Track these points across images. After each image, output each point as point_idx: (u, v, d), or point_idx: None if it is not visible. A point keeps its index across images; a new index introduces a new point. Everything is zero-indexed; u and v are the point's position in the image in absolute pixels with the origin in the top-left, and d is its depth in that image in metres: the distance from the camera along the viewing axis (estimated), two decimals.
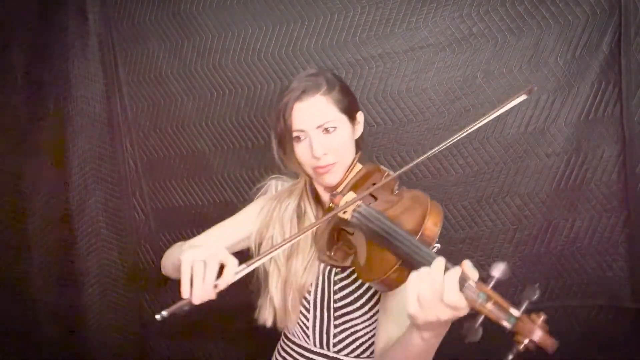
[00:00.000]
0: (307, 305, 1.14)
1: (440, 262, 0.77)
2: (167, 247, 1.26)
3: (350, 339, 1.12)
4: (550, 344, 0.68)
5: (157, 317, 0.87)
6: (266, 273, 1.18)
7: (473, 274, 0.75)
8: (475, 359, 1.30)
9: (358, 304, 1.10)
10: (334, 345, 1.13)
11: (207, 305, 1.20)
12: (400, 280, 0.85)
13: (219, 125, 1.61)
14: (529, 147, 1.37)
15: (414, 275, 0.77)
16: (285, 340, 1.23)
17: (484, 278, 0.74)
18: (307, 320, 1.14)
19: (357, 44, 1.45)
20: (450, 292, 0.72)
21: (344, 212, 0.98)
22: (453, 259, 1.57)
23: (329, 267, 1.12)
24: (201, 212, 1.68)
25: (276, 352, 1.26)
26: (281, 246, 0.96)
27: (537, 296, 0.69)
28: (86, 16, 1.66)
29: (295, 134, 1.07)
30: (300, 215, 1.17)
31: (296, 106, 1.05)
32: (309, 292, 1.14)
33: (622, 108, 1.30)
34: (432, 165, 1.44)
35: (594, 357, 1.41)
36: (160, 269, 1.24)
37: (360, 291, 1.10)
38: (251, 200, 1.27)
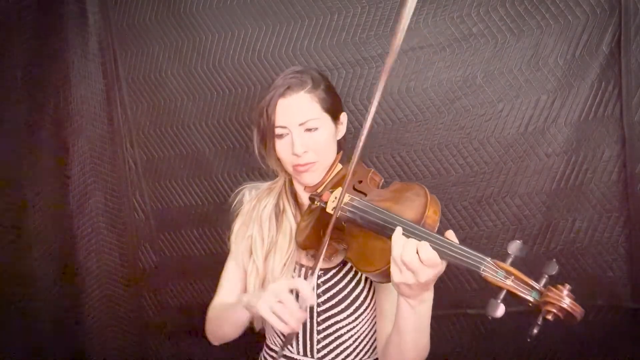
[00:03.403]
0: None
1: (398, 230, 0.84)
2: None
3: (334, 344, 1.10)
4: (579, 311, 0.70)
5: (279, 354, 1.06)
6: (245, 272, 1.16)
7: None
8: None
9: (342, 306, 1.08)
10: (318, 351, 1.11)
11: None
12: None
13: (219, 125, 1.61)
14: (529, 147, 1.37)
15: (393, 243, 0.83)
16: (268, 351, 1.21)
17: (502, 256, 0.77)
18: None
19: (357, 44, 1.44)
20: (407, 252, 0.80)
21: (333, 209, 0.98)
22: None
23: (310, 272, 1.09)
24: (201, 212, 1.67)
25: None
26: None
27: (557, 271, 0.71)
28: (86, 16, 1.66)
29: (277, 131, 1.06)
30: (278, 213, 1.16)
31: (280, 102, 1.05)
32: None
33: (622, 108, 1.30)
34: (432, 165, 1.44)
35: (594, 357, 1.40)
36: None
37: (345, 292, 1.08)
38: (229, 209, 1.25)
